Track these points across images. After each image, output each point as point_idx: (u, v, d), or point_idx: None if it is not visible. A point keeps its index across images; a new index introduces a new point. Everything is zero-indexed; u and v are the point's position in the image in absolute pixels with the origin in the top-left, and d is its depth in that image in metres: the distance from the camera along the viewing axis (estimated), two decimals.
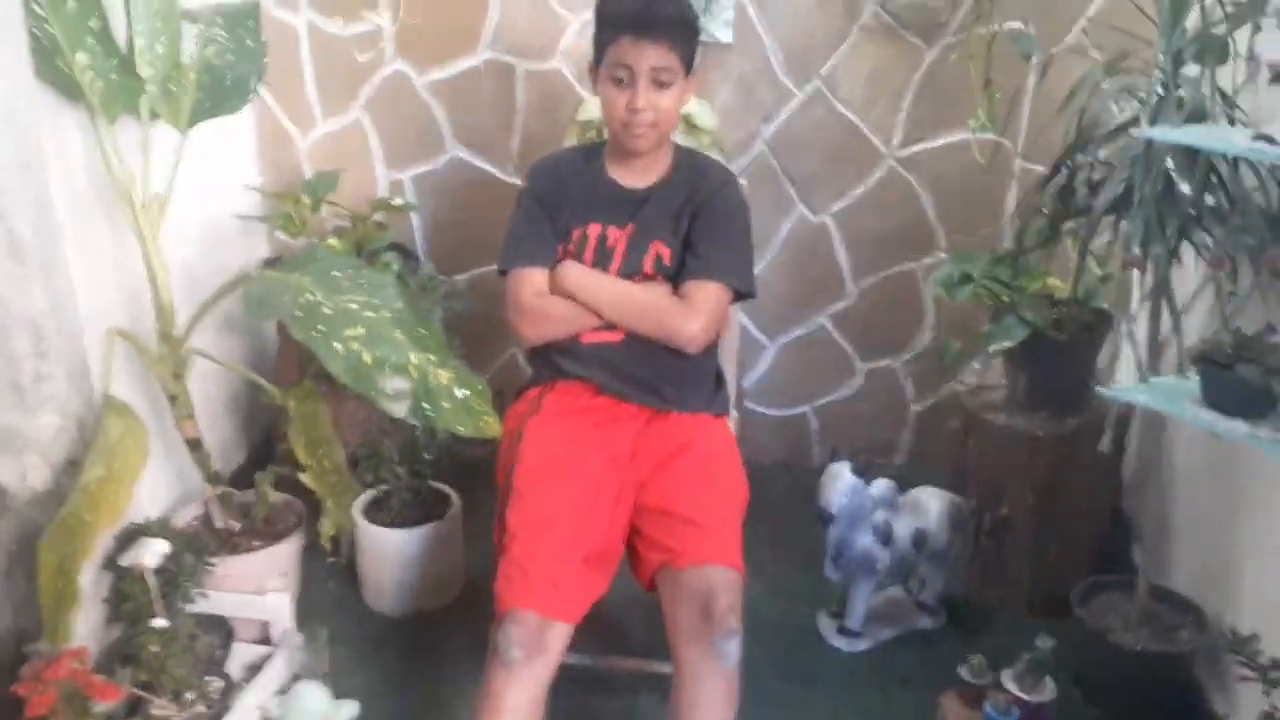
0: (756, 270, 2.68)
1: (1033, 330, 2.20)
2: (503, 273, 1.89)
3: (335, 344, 1.70)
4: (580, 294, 1.82)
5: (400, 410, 1.73)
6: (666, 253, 1.85)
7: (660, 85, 1.75)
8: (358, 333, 1.73)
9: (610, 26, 1.76)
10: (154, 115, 1.93)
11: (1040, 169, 2.54)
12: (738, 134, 2.60)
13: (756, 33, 2.53)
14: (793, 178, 2.66)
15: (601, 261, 1.86)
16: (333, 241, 2.42)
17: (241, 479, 2.42)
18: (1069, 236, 1.99)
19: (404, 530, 2.26)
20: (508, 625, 1.57)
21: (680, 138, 2.31)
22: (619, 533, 1.77)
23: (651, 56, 1.72)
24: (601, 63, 1.78)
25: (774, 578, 2.42)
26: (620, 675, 2.03)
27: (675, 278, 1.86)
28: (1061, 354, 2.28)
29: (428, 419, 1.73)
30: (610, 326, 1.84)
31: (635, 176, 1.88)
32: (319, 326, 1.71)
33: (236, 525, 2.17)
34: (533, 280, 1.85)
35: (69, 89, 1.82)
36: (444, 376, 1.78)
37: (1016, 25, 2.35)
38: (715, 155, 2.37)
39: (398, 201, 2.59)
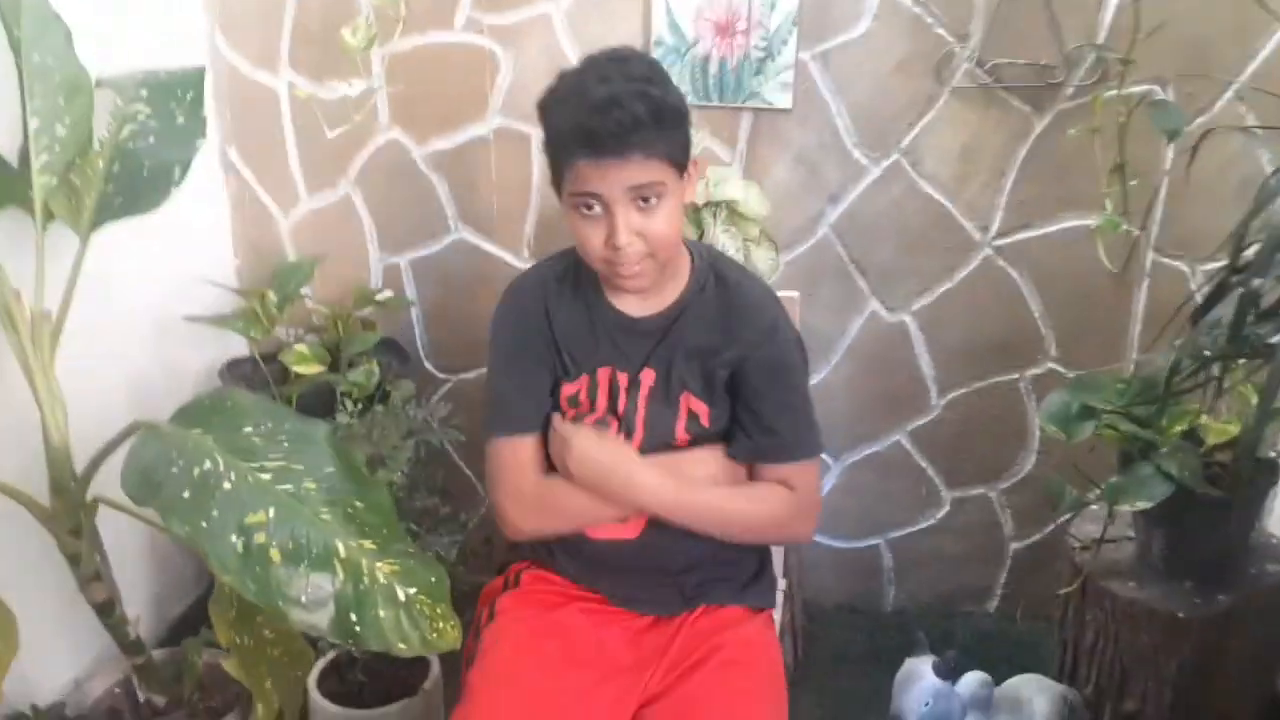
0: (820, 376, 2.25)
1: (1177, 486, 1.68)
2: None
3: (232, 537, 1.27)
4: (632, 494, 1.37)
5: (320, 622, 1.28)
6: (702, 410, 1.40)
7: (646, 203, 1.28)
8: (265, 517, 1.29)
9: (558, 144, 1.29)
10: (50, 214, 1.54)
11: (1180, 265, 2.02)
12: (796, 218, 2.13)
13: (821, 97, 2.06)
14: (864, 269, 2.17)
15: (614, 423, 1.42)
16: (300, 348, 2.01)
17: (186, 627, 2.03)
18: (1237, 377, 1.47)
19: (365, 711, 1.83)
20: None
21: (719, 231, 1.85)
22: None
23: (623, 176, 1.24)
24: (561, 184, 1.31)
25: None
26: None
27: (705, 438, 1.41)
28: (1213, 513, 1.76)
29: (355, 635, 1.29)
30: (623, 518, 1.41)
31: (641, 302, 1.42)
32: (211, 512, 1.28)
33: (161, 701, 1.77)
34: (525, 456, 1.41)
35: None
36: (384, 570, 1.33)
37: (1152, 89, 1.86)
38: (765, 249, 1.91)
39: (384, 296, 2.17)
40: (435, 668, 1.93)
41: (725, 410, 1.41)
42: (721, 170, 1.90)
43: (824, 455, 2.32)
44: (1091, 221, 1.98)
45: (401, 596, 1.33)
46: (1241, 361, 1.44)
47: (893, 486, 2.33)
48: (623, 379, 1.41)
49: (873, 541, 2.39)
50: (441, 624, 1.35)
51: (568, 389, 1.43)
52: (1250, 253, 1.44)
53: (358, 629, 1.29)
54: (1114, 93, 1.77)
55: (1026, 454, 2.26)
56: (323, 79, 2.18)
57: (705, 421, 1.40)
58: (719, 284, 1.42)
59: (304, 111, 2.20)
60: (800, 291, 1.74)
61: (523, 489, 1.40)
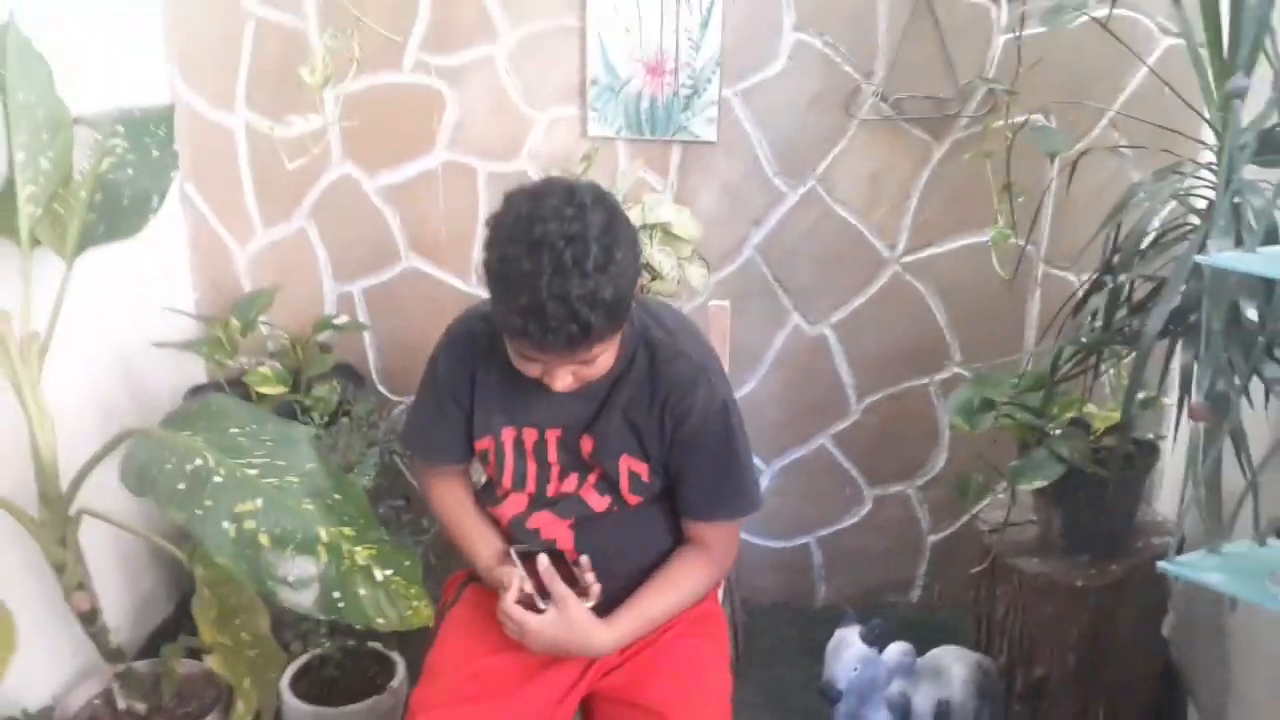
0: (749, 387, 2.43)
1: (1069, 467, 1.89)
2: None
3: (224, 523, 1.39)
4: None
5: (306, 600, 1.42)
6: (642, 469, 1.46)
7: (586, 365, 1.34)
8: (254, 506, 1.43)
9: (502, 318, 1.27)
10: (35, 241, 1.65)
11: (1068, 276, 2.26)
12: (724, 241, 2.32)
13: (743, 129, 2.26)
14: (786, 286, 2.37)
15: (543, 480, 1.49)
16: (263, 370, 2.13)
17: (163, 638, 2.11)
18: (1111, 363, 1.69)
19: (336, 709, 1.94)
20: None
21: (655, 250, 2.03)
22: None
23: (567, 362, 1.31)
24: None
25: None
26: None
27: (650, 494, 1.49)
28: (1102, 491, 1.97)
29: (338, 611, 1.42)
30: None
31: None
32: (204, 501, 1.40)
33: (142, 708, 1.85)
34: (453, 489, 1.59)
35: None
36: (362, 554, 1.47)
37: (1035, 117, 2.09)
38: (698, 266, 2.10)
39: (342, 320, 2.31)
40: (401, 667, 2.04)
41: (663, 465, 1.47)
42: (655, 196, 2.08)
43: (757, 461, 2.49)
44: (986, 237, 2.21)
45: (379, 577, 1.47)
46: (1117, 349, 1.65)
47: (820, 487, 2.52)
48: (549, 435, 1.47)
49: (803, 540, 2.57)
50: (416, 603, 1.49)
51: (478, 445, 1.51)
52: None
53: (341, 606, 1.42)
54: (1002, 122, 2.00)
55: (939, 451, 2.47)
56: (280, 115, 2.31)
57: (646, 478, 1.46)
58: (649, 353, 1.44)
59: (260, 149, 2.34)
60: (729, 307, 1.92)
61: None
